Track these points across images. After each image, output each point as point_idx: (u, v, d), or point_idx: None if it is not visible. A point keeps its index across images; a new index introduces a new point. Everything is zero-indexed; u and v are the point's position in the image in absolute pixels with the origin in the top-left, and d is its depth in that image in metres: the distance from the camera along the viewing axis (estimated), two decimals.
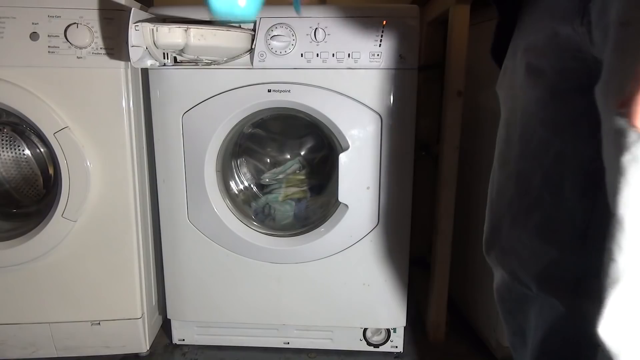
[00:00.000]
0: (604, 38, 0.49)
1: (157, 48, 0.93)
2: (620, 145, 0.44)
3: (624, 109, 0.37)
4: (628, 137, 0.43)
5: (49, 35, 0.98)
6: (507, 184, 0.68)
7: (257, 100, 1.04)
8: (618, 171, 0.45)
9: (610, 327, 0.45)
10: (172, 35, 0.90)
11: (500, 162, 0.69)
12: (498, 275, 0.77)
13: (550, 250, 0.67)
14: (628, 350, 0.46)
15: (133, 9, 0.89)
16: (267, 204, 1.29)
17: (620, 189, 0.45)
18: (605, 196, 0.65)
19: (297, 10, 0.72)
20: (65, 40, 0.98)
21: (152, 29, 0.89)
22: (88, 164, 1.03)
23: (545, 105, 0.61)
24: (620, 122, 0.44)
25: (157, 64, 1.00)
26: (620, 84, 0.43)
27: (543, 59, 0.60)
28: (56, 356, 1.18)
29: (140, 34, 0.89)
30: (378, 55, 1.01)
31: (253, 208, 1.28)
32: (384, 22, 1.00)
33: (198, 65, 1.02)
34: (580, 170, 0.62)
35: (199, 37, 0.92)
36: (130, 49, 0.88)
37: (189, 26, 0.91)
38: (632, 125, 0.37)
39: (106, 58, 0.99)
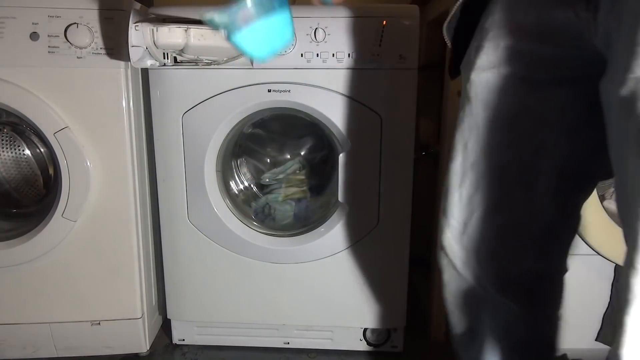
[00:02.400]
0: (619, 26, 0.45)
1: (157, 48, 0.93)
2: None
3: None
4: None
5: (49, 35, 0.98)
6: (475, 176, 0.63)
7: (257, 100, 1.04)
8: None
9: (632, 350, 0.42)
10: (172, 35, 0.90)
11: (464, 150, 0.63)
12: (448, 273, 0.73)
13: (511, 251, 0.65)
14: None
15: (133, 9, 0.90)
16: (267, 204, 1.29)
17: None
18: (574, 203, 0.62)
19: (328, 3, 0.72)
20: (65, 40, 0.98)
21: (152, 29, 0.89)
22: (88, 164, 1.03)
23: (533, 93, 0.57)
24: None
25: (157, 64, 1.00)
26: None
27: (534, 43, 0.55)
28: (56, 356, 1.18)
29: (141, 34, 0.89)
30: (378, 55, 1.01)
31: (253, 208, 1.28)
32: (384, 22, 1.00)
33: (198, 65, 1.02)
34: (556, 169, 0.59)
35: (199, 37, 0.92)
36: (131, 49, 0.89)
37: (189, 26, 0.91)
38: None
39: (106, 58, 0.99)
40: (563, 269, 0.69)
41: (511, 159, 0.60)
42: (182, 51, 0.96)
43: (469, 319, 0.75)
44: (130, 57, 0.89)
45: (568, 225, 0.67)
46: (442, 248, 0.72)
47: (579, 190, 0.64)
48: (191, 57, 0.99)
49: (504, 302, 0.68)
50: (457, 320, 0.77)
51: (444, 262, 0.73)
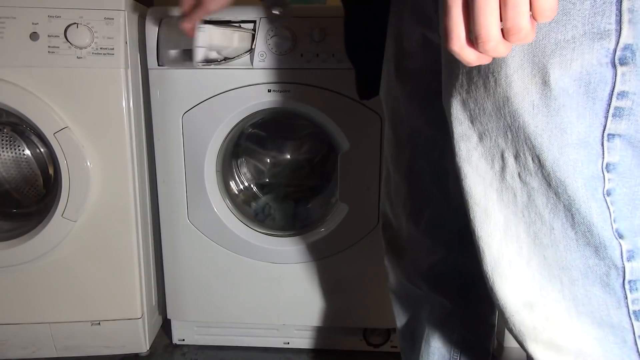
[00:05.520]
0: None
1: (213, 49, 0.96)
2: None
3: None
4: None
5: (49, 35, 0.98)
6: (401, 185, 0.68)
7: (257, 101, 1.04)
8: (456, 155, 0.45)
9: (513, 311, 0.44)
10: (229, 37, 0.95)
11: (395, 164, 0.69)
12: (392, 276, 0.77)
13: (439, 248, 0.67)
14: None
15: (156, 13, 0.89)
16: (267, 204, 1.29)
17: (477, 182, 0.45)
18: None
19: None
20: (65, 40, 0.98)
21: (216, 31, 0.92)
22: (88, 164, 1.03)
23: (427, 105, 0.60)
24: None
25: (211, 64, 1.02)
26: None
27: (417, 61, 0.60)
28: (56, 356, 1.18)
29: (207, 36, 0.89)
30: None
31: (253, 208, 1.28)
32: None
33: (221, 64, 1.03)
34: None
35: (242, 40, 0.99)
36: (196, 50, 0.88)
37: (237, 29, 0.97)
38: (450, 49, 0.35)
39: (106, 58, 0.99)
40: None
41: (425, 164, 0.65)
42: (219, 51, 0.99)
43: (409, 321, 0.77)
44: (195, 58, 0.88)
45: None
46: (384, 249, 0.76)
47: None
48: (220, 57, 1.02)
49: (438, 299, 0.71)
50: (399, 326, 0.79)
51: (386, 263, 0.77)
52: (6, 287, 1.11)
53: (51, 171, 1.22)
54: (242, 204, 1.25)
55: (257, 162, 1.36)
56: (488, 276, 0.45)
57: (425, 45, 0.58)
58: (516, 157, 0.41)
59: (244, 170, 1.34)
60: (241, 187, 1.31)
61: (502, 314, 0.45)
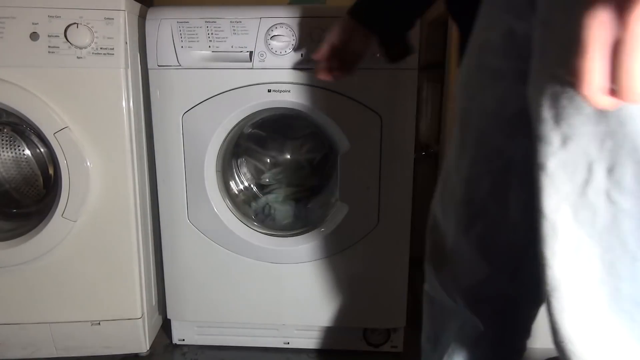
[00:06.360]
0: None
1: None
2: (545, 136, 0.39)
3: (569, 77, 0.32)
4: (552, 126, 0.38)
5: (49, 35, 0.98)
6: (457, 190, 0.64)
7: (257, 100, 1.04)
8: (542, 167, 0.40)
9: (571, 334, 0.41)
10: None
11: (455, 167, 0.64)
12: (430, 280, 0.73)
13: (485, 265, 0.63)
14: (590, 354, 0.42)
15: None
16: (267, 204, 1.29)
17: (545, 186, 0.40)
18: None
19: None
20: (65, 40, 0.98)
21: None
22: (88, 164, 1.03)
23: (503, 108, 0.55)
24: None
25: None
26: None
27: (500, 58, 0.55)
28: (56, 356, 1.18)
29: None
30: (378, 55, 1.01)
31: (253, 208, 1.28)
32: None
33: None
34: (526, 182, 0.57)
35: None
36: None
37: None
38: (580, 94, 0.31)
39: (106, 58, 0.99)
40: (539, 299, 0.64)
41: (484, 173, 0.60)
42: None
43: (436, 327, 0.74)
44: None
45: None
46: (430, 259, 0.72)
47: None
48: None
49: (472, 318, 0.67)
50: (425, 327, 0.77)
51: (425, 266, 0.73)
52: (6, 287, 1.11)
53: (51, 171, 1.22)
54: (242, 204, 1.25)
55: (257, 162, 1.36)
56: (547, 296, 0.41)
57: (510, 38, 0.53)
58: (610, 170, 0.35)
59: (244, 170, 1.34)
60: (241, 187, 1.31)
61: (555, 335, 0.42)
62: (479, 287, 0.64)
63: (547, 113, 0.38)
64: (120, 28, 0.99)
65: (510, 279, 0.62)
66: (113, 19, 0.98)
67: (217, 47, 1.02)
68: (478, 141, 0.60)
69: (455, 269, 0.66)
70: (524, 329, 0.68)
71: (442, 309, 0.72)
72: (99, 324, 1.15)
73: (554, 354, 0.45)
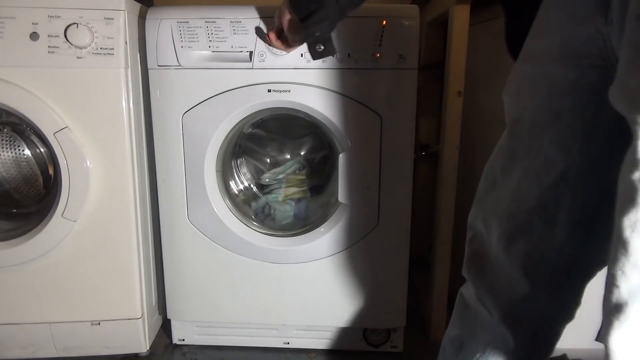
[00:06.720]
0: (621, 35, 0.43)
1: None
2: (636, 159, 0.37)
3: None
4: None
5: (49, 35, 0.98)
6: (503, 201, 0.61)
7: (257, 100, 1.04)
8: (631, 187, 0.38)
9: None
10: None
11: (503, 177, 0.62)
12: (467, 286, 0.72)
13: (524, 283, 0.61)
14: None
15: None
16: (267, 204, 1.29)
17: (628, 208, 0.39)
18: (598, 239, 0.56)
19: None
20: (65, 40, 0.98)
21: None
22: (88, 164, 1.03)
23: (558, 120, 0.53)
24: None
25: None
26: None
27: (558, 66, 0.52)
28: (56, 356, 1.18)
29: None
30: (378, 55, 1.01)
31: (253, 208, 1.28)
32: (384, 22, 1.00)
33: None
34: (579, 199, 0.56)
35: None
36: None
37: None
38: None
39: (106, 58, 0.99)
40: (570, 317, 0.65)
41: (533, 187, 0.58)
42: None
43: (465, 333, 0.73)
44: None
45: (589, 265, 0.62)
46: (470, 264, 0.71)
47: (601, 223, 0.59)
48: None
49: (504, 333, 0.66)
50: (452, 329, 0.76)
51: (464, 272, 0.73)
52: (6, 287, 1.11)
53: (51, 171, 1.22)
54: (242, 204, 1.25)
55: (257, 162, 1.36)
56: (607, 317, 0.41)
57: (570, 46, 0.50)
58: None
59: (244, 170, 1.34)
60: (241, 187, 1.31)
61: (607, 357, 0.41)
62: (517, 304, 0.63)
63: None
64: (120, 28, 0.99)
65: (549, 299, 0.61)
66: (113, 19, 0.98)
67: (217, 47, 1.02)
68: (529, 153, 0.57)
69: (494, 282, 0.65)
70: (550, 347, 0.67)
71: (475, 317, 0.70)
72: (99, 324, 1.15)
73: (579, 355, 0.44)
